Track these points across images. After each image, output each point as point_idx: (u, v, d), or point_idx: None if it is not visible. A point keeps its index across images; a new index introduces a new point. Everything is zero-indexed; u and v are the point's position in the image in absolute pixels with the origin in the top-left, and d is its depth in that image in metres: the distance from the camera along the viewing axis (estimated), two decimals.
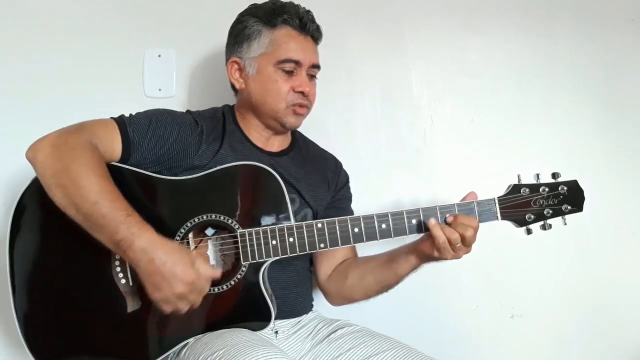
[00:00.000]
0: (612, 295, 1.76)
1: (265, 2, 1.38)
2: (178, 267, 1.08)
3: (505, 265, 1.72)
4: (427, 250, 1.23)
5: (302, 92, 1.33)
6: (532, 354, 1.76)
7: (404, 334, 1.31)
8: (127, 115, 1.27)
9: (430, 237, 1.20)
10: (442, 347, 1.47)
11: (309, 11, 1.37)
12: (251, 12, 1.37)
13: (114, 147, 1.20)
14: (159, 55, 1.69)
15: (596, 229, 1.72)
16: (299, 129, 1.46)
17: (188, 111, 1.37)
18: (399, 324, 1.56)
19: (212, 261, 1.25)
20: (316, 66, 1.38)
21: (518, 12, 1.78)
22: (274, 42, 1.32)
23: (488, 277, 1.72)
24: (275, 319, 1.23)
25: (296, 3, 1.37)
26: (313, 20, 1.36)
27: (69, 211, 1.10)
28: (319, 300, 1.50)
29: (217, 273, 1.16)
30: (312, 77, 1.38)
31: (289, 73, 1.33)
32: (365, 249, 1.43)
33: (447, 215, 1.21)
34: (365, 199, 1.57)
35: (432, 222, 1.19)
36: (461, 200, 1.24)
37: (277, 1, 1.36)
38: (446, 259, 1.21)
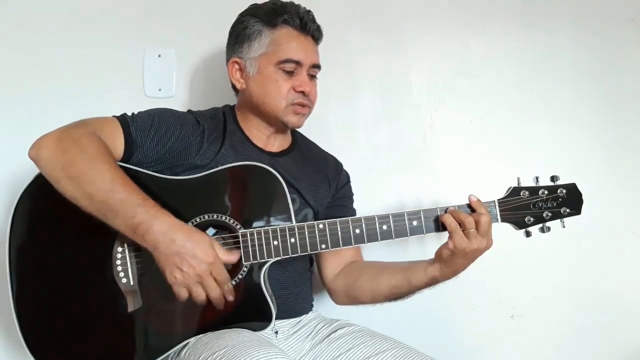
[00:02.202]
0: (612, 295, 1.76)
1: (266, 2, 1.38)
2: (198, 247, 1.09)
3: (505, 265, 1.72)
4: (444, 251, 1.21)
5: (302, 92, 1.33)
6: (532, 354, 1.76)
7: (404, 334, 1.31)
8: (129, 114, 1.27)
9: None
10: (442, 347, 1.48)
11: (309, 11, 1.36)
12: (252, 12, 1.36)
13: (116, 145, 1.20)
14: (159, 55, 1.69)
15: (596, 228, 1.72)
16: (299, 129, 1.46)
17: (189, 111, 1.37)
18: (399, 324, 1.56)
19: None
20: (317, 66, 1.37)
21: (518, 12, 1.78)
22: (275, 42, 1.32)
23: (488, 277, 1.71)
24: (276, 319, 1.23)
25: (297, 3, 1.37)
26: (313, 20, 1.36)
27: (83, 202, 1.10)
28: (319, 300, 1.50)
29: (235, 258, 1.16)
30: (312, 77, 1.38)
31: (290, 73, 1.33)
32: (370, 252, 1.44)
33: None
34: (365, 199, 1.58)
35: (444, 214, 1.20)
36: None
37: (277, 1, 1.36)
38: (462, 249, 1.18)
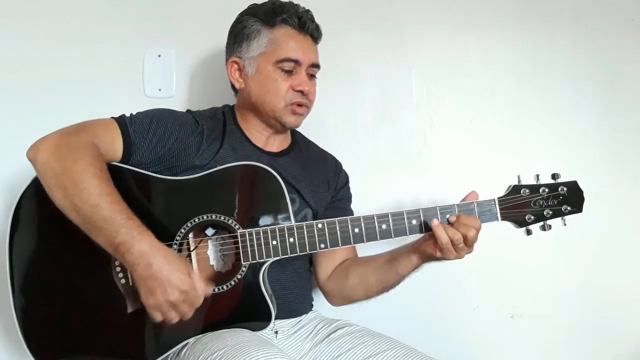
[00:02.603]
0: (612, 295, 1.76)
1: (265, 2, 1.38)
2: (174, 275, 1.07)
3: (505, 265, 1.72)
4: (429, 250, 1.23)
5: (301, 91, 1.33)
6: (532, 354, 1.76)
7: (404, 334, 1.31)
8: (127, 115, 1.27)
9: (433, 237, 1.20)
10: (442, 347, 1.47)
11: (308, 11, 1.36)
12: (251, 12, 1.37)
13: (115, 147, 1.20)
14: (159, 55, 1.69)
15: (596, 228, 1.71)
16: (299, 130, 1.46)
17: (188, 111, 1.37)
18: (399, 324, 1.56)
19: (212, 261, 1.25)
20: (316, 65, 1.37)
21: (518, 12, 1.78)
22: (273, 42, 1.32)
23: (488, 277, 1.72)
24: (275, 319, 1.23)
25: (296, 3, 1.37)
26: (312, 20, 1.36)
27: (69, 213, 1.10)
28: (319, 300, 1.50)
29: (209, 290, 1.15)
30: (311, 76, 1.38)
31: (289, 72, 1.33)
32: (367, 249, 1.43)
33: (449, 215, 1.21)
34: (365, 199, 1.57)
35: (435, 222, 1.19)
36: (462, 200, 1.24)
37: (276, 1, 1.36)
38: (448, 259, 1.21)
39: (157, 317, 1.10)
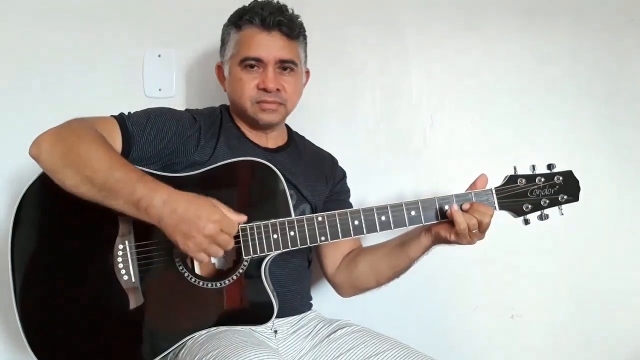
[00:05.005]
0: (612, 296, 1.75)
1: (243, 5, 1.39)
2: (201, 209, 1.09)
3: (505, 265, 1.72)
4: (443, 233, 1.23)
5: (264, 89, 1.33)
6: (532, 354, 1.75)
7: (404, 334, 1.31)
8: (125, 114, 1.28)
9: (448, 221, 1.21)
10: (442, 347, 1.47)
11: (280, 7, 1.36)
12: (229, 17, 1.40)
13: (114, 142, 1.21)
14: (159, 55, 1.69)
15: (596, 228, 1.72)
16: (296, 129, 1.48)
17: (187, 109, 1.39)
18: (399, 324, 1.55)
19: (214, 259, 1.25)
20: (285, 61, 1.36)
21: (518, 12, 1.77)
22: (238, 43, 1.35)
23: (488, 277, 1.72)
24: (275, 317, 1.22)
25: (282, 2, 1.38)
26: (279, 14, 1.33)
27: (83, 187, 1.10)
28: (319, 300, 1.50)
29: (242, 218, 1.16)
30: (285, 70, 1.36)
31: (255, 71, 1.34)
32: (370, 239, 1.43)
33: (463, 203, 1.22)
34: (365, 199, 1.58)
35: (454, 207, 1.20)
36: (472, 183, 1.26)
37: (251, 2, 1.38)
38: (461, 244, 1.22)
39: (203, 258, 1.11)
